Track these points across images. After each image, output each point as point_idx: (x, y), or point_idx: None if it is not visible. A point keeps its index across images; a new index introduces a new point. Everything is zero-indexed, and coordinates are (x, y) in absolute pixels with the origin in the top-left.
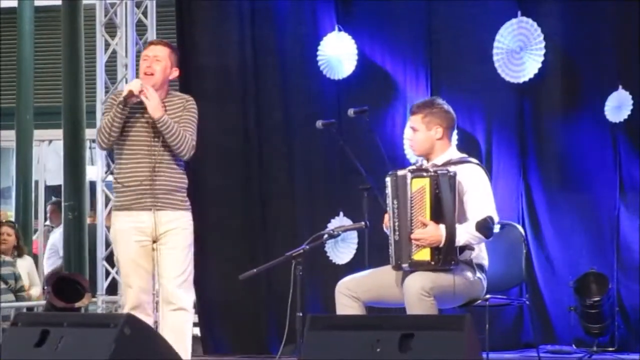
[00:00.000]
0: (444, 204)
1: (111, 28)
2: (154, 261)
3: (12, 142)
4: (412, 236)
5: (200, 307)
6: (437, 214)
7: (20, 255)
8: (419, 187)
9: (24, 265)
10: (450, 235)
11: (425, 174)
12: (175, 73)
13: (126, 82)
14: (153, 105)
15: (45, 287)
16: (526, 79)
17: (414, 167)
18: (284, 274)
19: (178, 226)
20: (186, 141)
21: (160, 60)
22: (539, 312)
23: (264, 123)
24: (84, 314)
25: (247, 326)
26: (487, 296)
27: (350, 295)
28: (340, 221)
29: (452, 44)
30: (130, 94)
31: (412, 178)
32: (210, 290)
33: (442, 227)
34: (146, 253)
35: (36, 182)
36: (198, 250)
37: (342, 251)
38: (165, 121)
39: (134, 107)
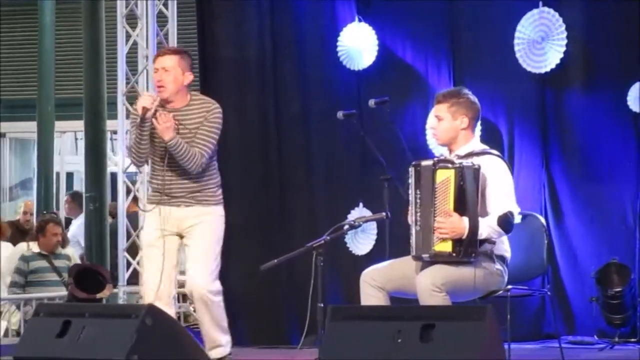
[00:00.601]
0: (468, 196)
1: (132, 19)
2: (178, 253)
3: (33, 133)
4: (435, 225)
5: None
6: (461, 206)
7: (63, 247)
8: (444, 178)
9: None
10: (473, 228)
11: (450, 165)
12: (189, 78)
13: (147, 73)
14: (161, 129)
15: (68, 278)
16: (548, 69)
17: (438, 158)
18: (304, 265)
19: (203, 220)
20: (195, 160)
21: (169, 70)
22: (561, 302)
23: (283, 114)
24: (105, 305)
25: (266, 318)
26: (509, 287)
27: (375, 285)
28: (359, 212)
29: (473, 34)
30: (144, 110)
31: (437, 169)
32: (229, 282)
33: (465, 220)
34: (168, 242)
35: (57, 174)
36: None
37: (361, 242)
38: (174, 144)
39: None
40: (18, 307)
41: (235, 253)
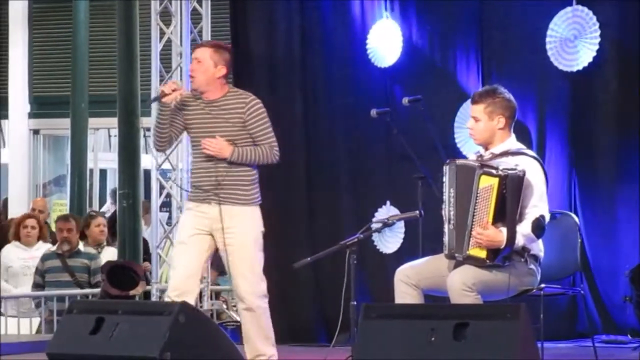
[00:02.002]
0: (509, 205)
1: (166, 17)
2: (207, 253)
3: (67, 130)
4: (473, 234)
5: None
6: (501, 214)
7: (109, 244)
8: (487, 184)
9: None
10: (511, 239)
11: (495, 172)
12: (222, 71)
13: (181, 71)
14: (215, 151)
15: (100, 275)
16: (580, 67)
17: (481, 161)
18: (333, 262)
19: (240, 222)
20: (267, 156)
21: (202, 61)
22: (594, 301)
23: (311, 111)
24: (138, 302)
25: (299, 316)
26: (542, 285)
27: (409, 283)
28: (387, 210)
29: (504, 31)
30: (162, 94)
31: (481, 174)
32: None
33: (503, 232)
34: (200, 240)
35: (90, 170)
36: None
37: (389, 240)
38: (237, 158)
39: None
40: (37, 306)
41: (265, 252)
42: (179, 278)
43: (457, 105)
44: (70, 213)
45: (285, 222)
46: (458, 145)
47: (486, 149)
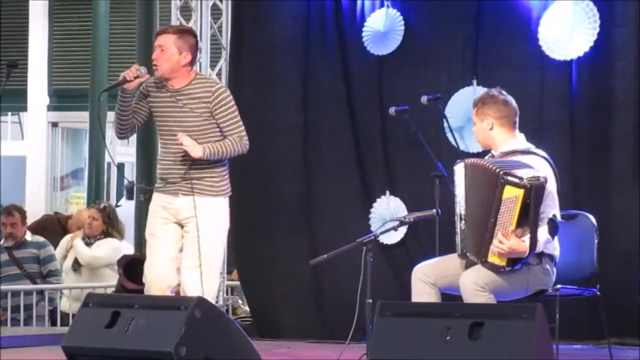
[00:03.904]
0: (531, 214)
1: (186, 11)
2: (182, 241)
3: (85, 123)
4: (495, 244)
5: (264, 293)
6: (522, 222)
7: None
8: (512, 195)
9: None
10: (532, 246)
11: (519, 182)
12: (187, 58)
13: (200, 66)
14: (188, 149)
15: (117, 269)
16: (574, 56)
17: (502, 169)
18: (348, 259)
19: (199, 214)
20: (237, 148)
21: (165, 49)
22: (610, 303)
23: (315, 103)
24: (154, 296)
25: (314, 313)
26: (558, 286)
27: (426, 281)
28: (387, 201)
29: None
30: (123, 80)
31: (505, 184)
32: (276, 277)
33: (525, 242)
34: (171, 230)
35: (108, 164)
36: (260, 235)
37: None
38: (210, 155)
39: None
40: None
41: (280, 248)
42: (156, 274)
43: (449, 96)
44: (13, 204)
45: (297, 217)
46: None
47: (490, 151)
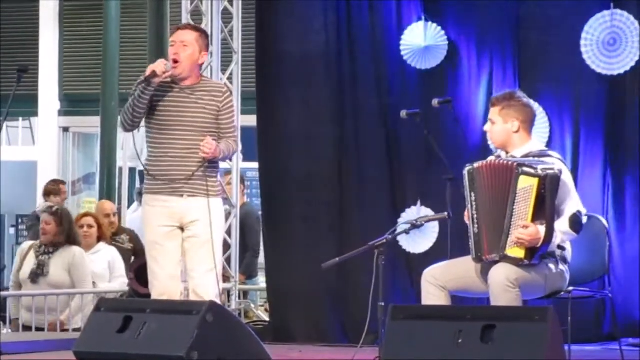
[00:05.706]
0: (548, 204)
1: (197, 16)
2: (180, 249)
3: (96, 128)
4: (514, 232)
5: (274, 295)
6: (539, 213)
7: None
8: (527, 185)
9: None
10: (549, 237)
11: (534, 172)
12: (204, 57)
13: (211, 69)
14: (211, 154)
15: (128, 274)
16: (621, 71)
17: (516, 160)
18: (360, 262)
19: (203, 215)
20: (232, 150)
21: (188, 45)
22: (621, 305)
23: (343, 110)
24: (166, 301)
25: (326, 316)
26: (570, 288)
27: (436, 285)
28: (417, 211)
29: (541, 33)
30: (153, 74)
31: (520, 174)
32: (290, 280)
33: (542, 229)
34: (173, 237)
35: (120, 169)
36: (274, 237)
37: (418, 241)
38: (219, 155)
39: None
40: None
41: (295, 251)
42: (162, 283)
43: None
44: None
45: (318, 221)
46: (491, 148)
47: (506, 152)
